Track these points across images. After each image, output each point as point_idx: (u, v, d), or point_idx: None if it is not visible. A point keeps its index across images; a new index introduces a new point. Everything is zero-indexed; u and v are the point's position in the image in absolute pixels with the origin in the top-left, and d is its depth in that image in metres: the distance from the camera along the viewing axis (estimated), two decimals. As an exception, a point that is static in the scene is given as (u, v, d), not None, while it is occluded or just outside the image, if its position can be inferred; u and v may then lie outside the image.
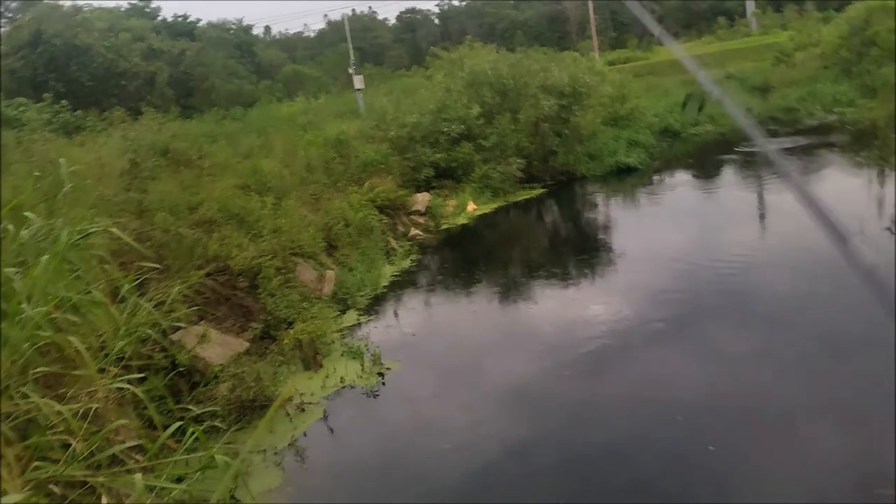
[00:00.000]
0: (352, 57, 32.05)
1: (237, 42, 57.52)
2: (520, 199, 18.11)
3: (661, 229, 13.75)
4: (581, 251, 13.36)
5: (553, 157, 19.62)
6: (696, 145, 23.26)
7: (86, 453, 4.53)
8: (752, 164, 18.26)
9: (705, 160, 20.95)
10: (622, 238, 13.64)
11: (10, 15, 42.46)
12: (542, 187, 18.96)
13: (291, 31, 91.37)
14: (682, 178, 18.93)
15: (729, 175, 17.95)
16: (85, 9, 39.91)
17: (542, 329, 9.36)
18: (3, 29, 39.00)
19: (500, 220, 16.71)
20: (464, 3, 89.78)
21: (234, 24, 62.12)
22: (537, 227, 16.51)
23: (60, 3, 38.79)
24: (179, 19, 58.54)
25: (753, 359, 7.42)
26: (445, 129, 17.91)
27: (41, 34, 31.12)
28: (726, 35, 53.02)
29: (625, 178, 19.09)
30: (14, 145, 10.57)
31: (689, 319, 8.77)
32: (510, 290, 11.40)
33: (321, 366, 8.55)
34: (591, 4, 51.01)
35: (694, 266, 10.75)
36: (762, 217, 13.46)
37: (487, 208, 17.24)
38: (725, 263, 10.53)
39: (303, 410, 7.48)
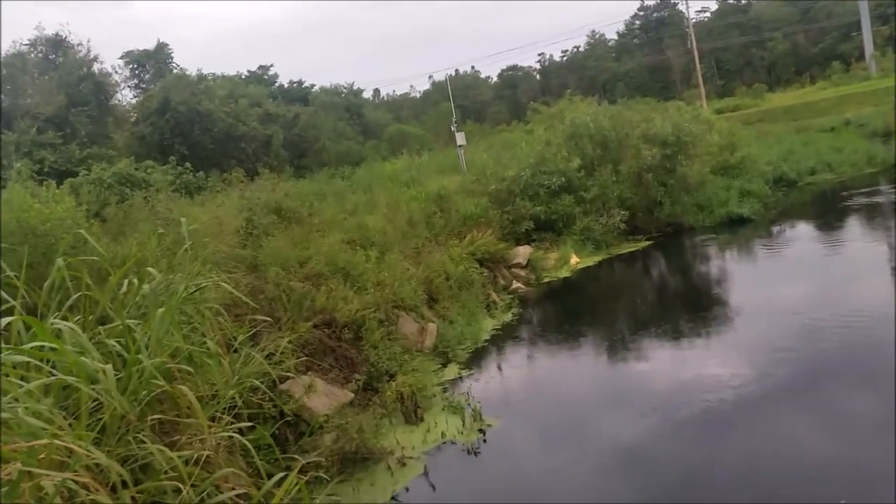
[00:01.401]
0: (453, 115, 32.97)
1: (347, 105, 60.71)
2: (624, 251, 17.63)
3: (781, 283, 12.86)
4: (693, 306, 12.70)
5: (658, 208, 19.05)
6: (814, 194, 21.93)
7: (195, 500, 4.67)
8: (879, 214, 16.95)
9: (825, 210, 19.65)
10: (738, 292, 12.85)
11: (143, 86, 47.09)
12: (648, 239, 18.39)
13: (398, 93, 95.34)
14: (802, 229, 17.82)
15: (853, 225, 16.70)
16: (208, 77, 43.60)
17: (653, 387, 8.89)
18: (136, 99, 43.20)
19: (603, 273, 16.29)
20: (564, 58, 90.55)
21: (345, 88, 65.86)
22: (644, 281, 15.93)
23: (187, 72, 42.60)
24: (295, 85, 62.84)
25: (883, 420, 6.68)
26: (545, 181, 17.90)
27: (169, 102, 34.19)
28: (842, 79, 50.44)
29: (737, 229, 18.19)
30: (141, 205, 11.47)
31: (812, 378, 8.07)
32: (617, 346, 10.97)
33: (422, 419, 8.50)
34: (695, 53, 50.09)
35: (817, 322, 9.94)
36: (894, 270, 12.36)
37: (590, 261, 16.88)
38: (851, 319, 9.67)
39: (403, 465, 7.42)
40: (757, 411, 7.46)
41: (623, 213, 17.98)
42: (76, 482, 3.63)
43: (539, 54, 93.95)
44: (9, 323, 4.31)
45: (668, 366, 9.62)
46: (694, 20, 63.91)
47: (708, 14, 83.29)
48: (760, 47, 75.82)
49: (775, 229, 17.92)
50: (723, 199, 19.51)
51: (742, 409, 7.56)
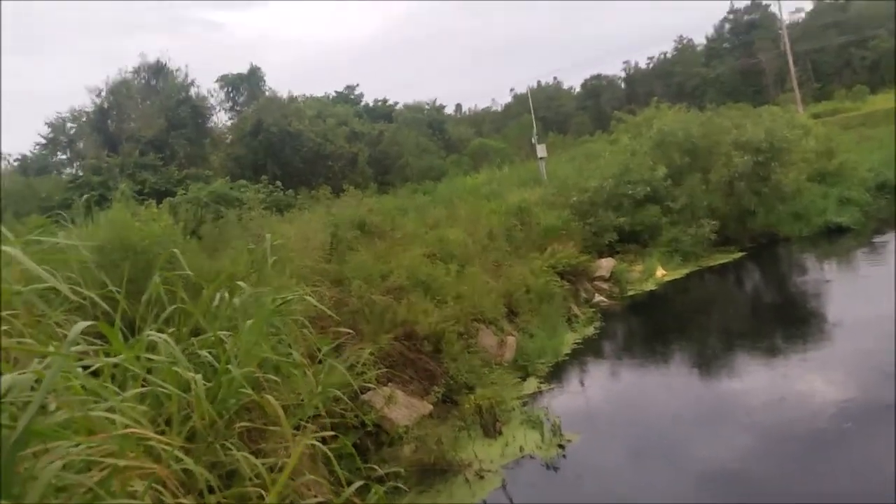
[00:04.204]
0: (534, 127, 32.84)
1: (429, 121, 61.53)
2: (714, 263, 16.95)
3: (887, 297, 12.00)
4: (791, 321, 11.98)
5: (751, 218, 18.24)
6: (923, 201, 20.36)
7: (278, 506, 4.82)
8: None
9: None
10: (840, 307, 12.05)
11: (237, 108, 49.55)
12: (740, 250, 17.62)
13: (480, 107, 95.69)
14: (908, 238, 16.60)
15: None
16: (298, 98, 45.38)
17: (748, 405, 8.41)
18: (231, 121, 45.54)
19: (692, 286, 15.71)
20: (650, 65, 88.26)
21: (427, 104, 66.85)
22: (737, 294, 15.25)
23: (278, 94, 44.55)
24: (379, 103, 64.39)
25: None
26: (629, 191, 17.51)
27: (261, 123, 35.82)
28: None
29: (837, 239, 17.16)
30: (235, 222, 12.04)
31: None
32: (707, 363, 10.53)
33: (500, 433, 8.46)
34: (790, 55, 47.72)
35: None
36: None
37: (678, 274, 16.32)
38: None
39: (482, 478, 7.40)
40: (861, 431, 6.99)
41: (713, 223, 17.32)
42: (165, 484, 3.83)
43: (624, 62, 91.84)
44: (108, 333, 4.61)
45: (766, 383, 9.11)
46: (787, 21, 61.03)
47: (802, 14, 79.02)
48: (861, 47, 71.08)
49: (877, 239, 16.77)
50: (820, 207, 18.51)
51: (850, 429, 7.10)
